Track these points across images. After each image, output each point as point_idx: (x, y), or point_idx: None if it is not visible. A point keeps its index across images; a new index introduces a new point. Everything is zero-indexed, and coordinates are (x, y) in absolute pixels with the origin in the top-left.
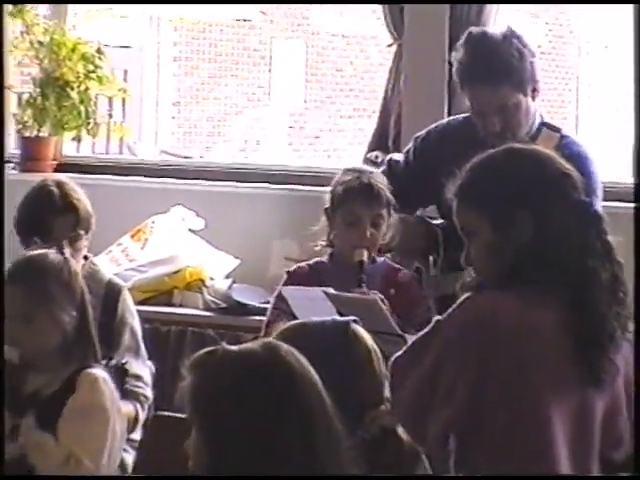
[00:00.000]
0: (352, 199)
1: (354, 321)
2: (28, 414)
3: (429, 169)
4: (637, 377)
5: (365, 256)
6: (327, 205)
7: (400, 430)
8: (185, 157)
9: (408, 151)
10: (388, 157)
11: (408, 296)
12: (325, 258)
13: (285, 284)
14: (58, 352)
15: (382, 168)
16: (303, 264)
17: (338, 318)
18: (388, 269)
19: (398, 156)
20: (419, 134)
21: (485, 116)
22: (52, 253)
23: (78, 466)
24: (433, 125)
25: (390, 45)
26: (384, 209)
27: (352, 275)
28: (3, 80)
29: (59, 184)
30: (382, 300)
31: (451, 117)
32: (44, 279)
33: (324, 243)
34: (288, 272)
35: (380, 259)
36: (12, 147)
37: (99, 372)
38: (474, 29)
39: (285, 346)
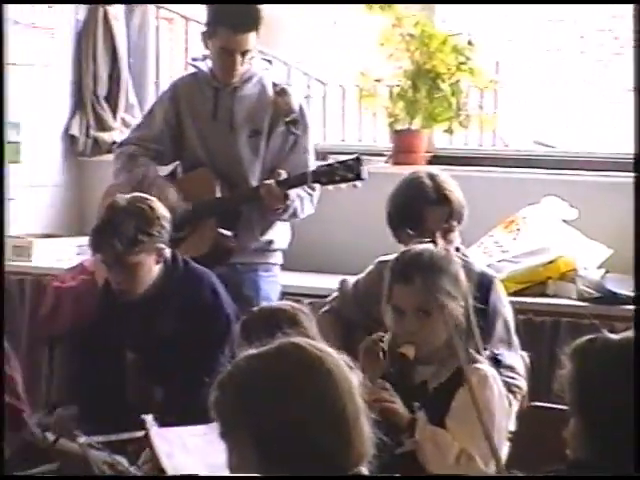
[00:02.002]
0: None
1: None
2: (419, 410)
3: None
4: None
5: None
6: None
7: None
8: (557, 148)
9: None
10: None
11: None
12: None
13: None
14: (447, 343)
15: None
16: None
17: None
18: None
19: None
20: None
21: None
22: (433, 247)
23: (469, 464)
24: None
25: None
26: None
27: None
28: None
29: (431, 176)
30: None
31: None
32: (436, 273)
33: None
34: None
35: None
36: (385, 140)
37: (488, 368)
38: None
39: None
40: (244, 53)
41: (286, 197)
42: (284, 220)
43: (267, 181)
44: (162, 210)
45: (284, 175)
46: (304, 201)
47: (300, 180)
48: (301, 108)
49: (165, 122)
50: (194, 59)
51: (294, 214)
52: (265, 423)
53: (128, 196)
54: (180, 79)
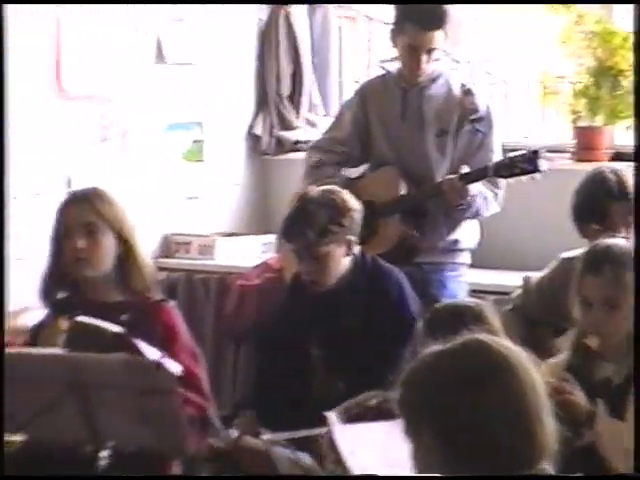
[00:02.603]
0: None
1: None
2: (599, 401)
3: None
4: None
5: None
6: None
7: None
8: None
9: None
10: None
11: None
12: None
13: None
14: (627, 340)
15: None
16: None
17: None
18: None
19: None
20: None
21: None
22: (626, 241)
23: None
24: None
25: None
26: None
27: None
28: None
29: (615, 172)
30: None
31: None
32: (626, 267)
33: None
34: None
35: None
36: (568, 137)
37: None
38: None
39: None
40: (430, 51)
41: (467, 192)
42: (468, 218)
43: (449, 176)
44: (353, 202)
45: (466, 169)
46: (488, 199)
47: (481, 174)
48: (487, 108)
49: (353, 124)
50: (383, 61)
51: (477, 212)
52: (449, 420)
53: (319, 188)
54: (368, 82)
